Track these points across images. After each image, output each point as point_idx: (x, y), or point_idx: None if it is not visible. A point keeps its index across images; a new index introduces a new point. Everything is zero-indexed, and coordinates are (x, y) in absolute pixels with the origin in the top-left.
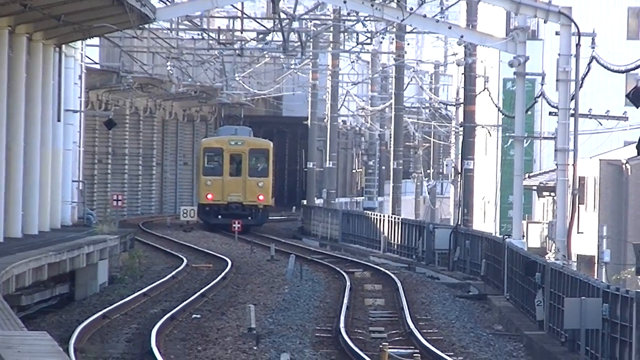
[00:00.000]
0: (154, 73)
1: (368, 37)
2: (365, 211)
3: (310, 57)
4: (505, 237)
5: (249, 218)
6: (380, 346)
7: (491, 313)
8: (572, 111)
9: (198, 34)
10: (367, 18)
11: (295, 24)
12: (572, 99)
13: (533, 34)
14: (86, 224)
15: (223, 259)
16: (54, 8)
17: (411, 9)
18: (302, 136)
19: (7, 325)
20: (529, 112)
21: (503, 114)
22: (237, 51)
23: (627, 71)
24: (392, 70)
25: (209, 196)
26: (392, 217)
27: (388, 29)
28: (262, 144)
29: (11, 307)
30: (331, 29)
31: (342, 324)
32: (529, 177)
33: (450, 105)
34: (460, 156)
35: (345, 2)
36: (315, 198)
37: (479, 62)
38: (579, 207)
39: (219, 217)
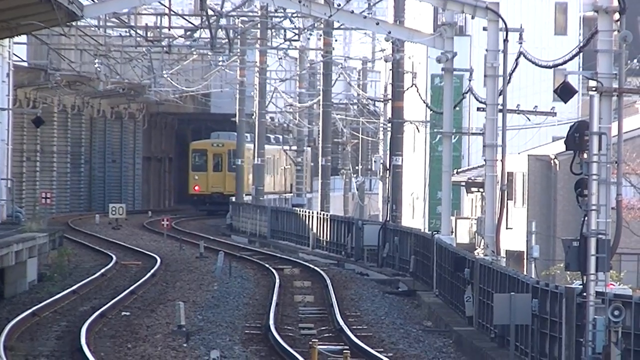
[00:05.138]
0: (81, 71)
1: (296, 34)
2: (294, 208)
3: (238, 53)
4: (434, 233)
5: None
6: (310, 343)
7: (420, 309)
8: (500, 107)
9: (126, 31)
10: (295, 14)
11: (223, 21)
12: (500, 95)
13: (460, 30)
14: (15, 221)
15: (152, 256)
16: None
17: (339, 5)
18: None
19: None
20: (457, 108)
21: (431, 110)
22: (164, 48)
23: (555, 66)
24: (320, 66)
25: (196, 188)
26: (320, 214)
27: (316, 25)
28: (230, 145)
29: None
30: (259, 25)
31: (271, 321)
32: (458, 173)
33: (378, 101)
34: (388, 152)
35: None
36: (244, 195)
37: (406, 58)
38: (507, 202)
39: (206, 204)
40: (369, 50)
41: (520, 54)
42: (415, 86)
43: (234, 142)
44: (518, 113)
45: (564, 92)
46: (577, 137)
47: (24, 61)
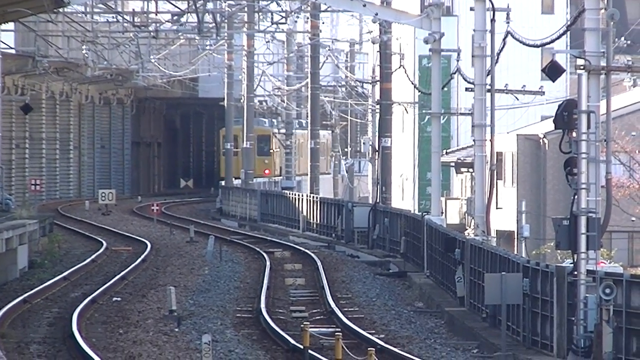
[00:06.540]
0: (69, 57)
1: (283, 17)
2: (283, 191)
3: (225, 37)
4: (424, 214)
5: None
6: (302, 325)
7: (412, 290)
8: (488, 87)
9: (113, 17)
10: None
11: (210, 5)
12: (488, 75)
13: (447, 10)
14: (5, 209)
15: (142, 241)
16: None
17: None
18: (219, 117)
19: None
20: (445, 89)
21: (419, 91)
22: (152, 33)
23: (542, 45)
24: (308, 49)
25: None
26: (310, 197)
27: (303, 8)
28: (265, 131)
29: None
30: (245, 9)
31: (262, 304)
32: (447, 153)
33: (366, 83)
34: (377, 134)
35: None
36: (234, 179)
37: (394, 39)
38: (497, 182)
39: None
40: (356, 32)
41: (507, 33)
42: (403, 67)
43: (263, 128)
44: (506, 93)
45: (552, 71)
46: (566, 115)
47: (12, 48)
